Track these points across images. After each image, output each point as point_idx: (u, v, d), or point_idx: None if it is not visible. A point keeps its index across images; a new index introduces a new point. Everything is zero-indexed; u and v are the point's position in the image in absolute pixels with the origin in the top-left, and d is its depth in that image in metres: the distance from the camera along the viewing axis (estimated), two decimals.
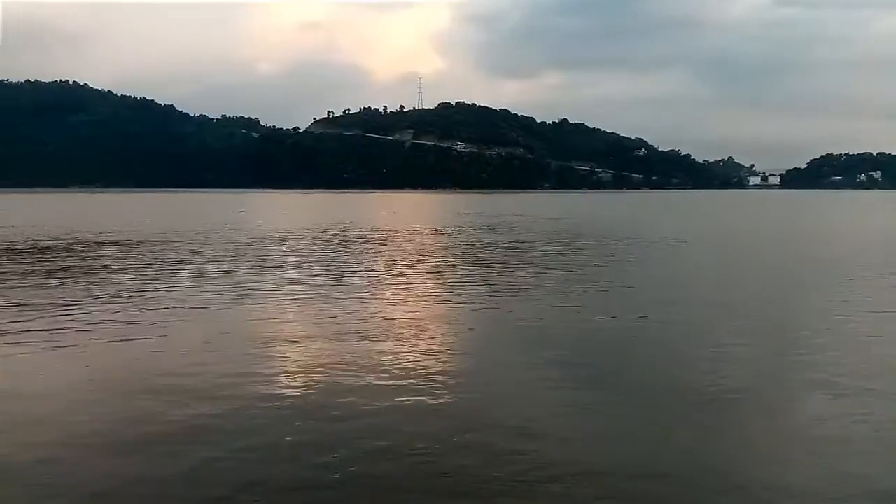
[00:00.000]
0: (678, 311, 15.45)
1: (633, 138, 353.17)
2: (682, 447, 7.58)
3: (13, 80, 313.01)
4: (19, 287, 18.20)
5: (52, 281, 19.50)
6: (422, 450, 7.30)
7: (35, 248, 29.86)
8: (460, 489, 6.48)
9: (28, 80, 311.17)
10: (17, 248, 29.56)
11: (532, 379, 10.04)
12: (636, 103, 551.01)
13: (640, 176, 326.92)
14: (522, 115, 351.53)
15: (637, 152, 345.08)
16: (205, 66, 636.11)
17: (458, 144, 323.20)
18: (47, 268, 22.78)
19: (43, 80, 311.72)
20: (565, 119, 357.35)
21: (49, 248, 29.58)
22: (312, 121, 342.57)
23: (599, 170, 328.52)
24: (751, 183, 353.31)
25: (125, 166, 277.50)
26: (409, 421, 8.16)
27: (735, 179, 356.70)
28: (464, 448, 7.39)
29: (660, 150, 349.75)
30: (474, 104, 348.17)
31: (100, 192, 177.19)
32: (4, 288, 18.06)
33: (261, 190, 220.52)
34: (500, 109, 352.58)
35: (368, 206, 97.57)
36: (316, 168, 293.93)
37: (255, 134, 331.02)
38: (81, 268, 22.71)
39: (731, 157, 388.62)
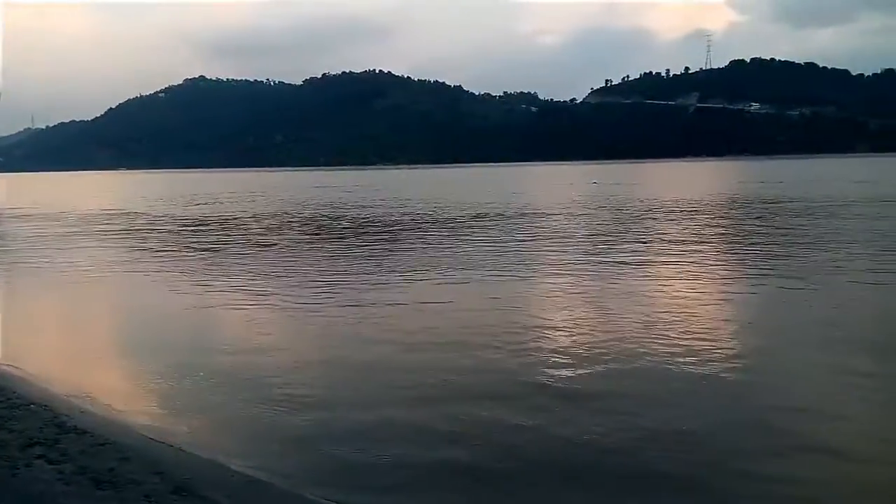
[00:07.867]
0: None
1: None
2: None
3: (332, 72, 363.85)
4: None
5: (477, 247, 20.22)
6: None
7: (433, 220, 32.14)
8: None
9: (344, 72, 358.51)
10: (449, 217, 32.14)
11: None
12: None
13: None
14: (832, 69, 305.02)
15: None
16: (489, 45, 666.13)
17: (751, 106, 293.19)
18: (483, 229, 23.99)
19: (355, 71, 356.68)
20: (890, 69, 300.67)
21: (447, 220, 31.16)
22: (589, 91, 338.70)
23: None
24: None
25: (419, 145, 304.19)
26: None
27: None
28: None
29: None
30: (773, 59, 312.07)
31: (406, 169, 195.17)
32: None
33: (536, 163, 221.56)
34: (805, 63, 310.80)
35: (681, 177, 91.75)
36: (591, 139, 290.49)
37: (533, 108, 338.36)
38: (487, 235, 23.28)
39: None
